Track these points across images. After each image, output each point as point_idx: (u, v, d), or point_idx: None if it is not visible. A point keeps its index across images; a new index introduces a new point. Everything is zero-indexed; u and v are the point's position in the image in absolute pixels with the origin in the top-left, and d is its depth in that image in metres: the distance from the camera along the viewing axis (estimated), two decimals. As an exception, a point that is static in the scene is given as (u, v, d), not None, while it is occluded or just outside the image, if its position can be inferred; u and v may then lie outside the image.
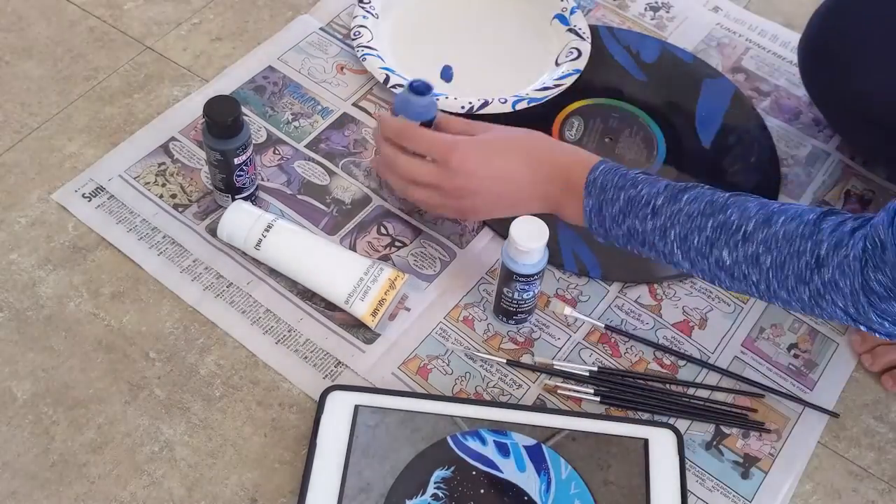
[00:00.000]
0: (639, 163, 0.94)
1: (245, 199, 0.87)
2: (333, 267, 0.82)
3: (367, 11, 1.01)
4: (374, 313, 0.79)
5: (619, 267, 0.87)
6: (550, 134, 0.96)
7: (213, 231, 0.86)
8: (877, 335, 0.67)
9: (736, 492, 0.75)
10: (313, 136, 0.94)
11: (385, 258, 0.86)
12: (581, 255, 0.87)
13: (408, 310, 0.82)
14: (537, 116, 0.97)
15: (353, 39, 0.98)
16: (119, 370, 0.78)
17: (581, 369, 0.80)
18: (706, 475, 0.76)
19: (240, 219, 0.82)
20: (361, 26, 0.99)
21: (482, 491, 0.71)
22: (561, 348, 0.82)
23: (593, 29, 1.06)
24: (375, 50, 0.98)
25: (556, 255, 0.86)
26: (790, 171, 0.96)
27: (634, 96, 1.00)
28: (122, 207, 0.88)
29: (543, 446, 0.74)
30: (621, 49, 1.04)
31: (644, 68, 1.03)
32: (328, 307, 0.82)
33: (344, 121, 0.95)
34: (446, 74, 0.98)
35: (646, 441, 0.75)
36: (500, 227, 0.88)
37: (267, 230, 0.82)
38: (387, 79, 0.94)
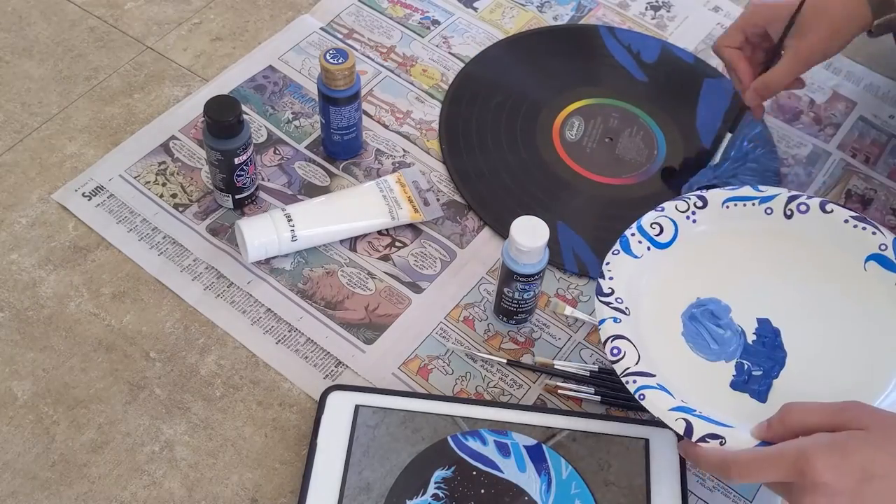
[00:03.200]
0: (639, 162, 0.94)
1: (245, 199, 0.87)
2: (360, 206, 0.86)
3: (616, 309, 0.71)
4: (416, 209, 0.87)
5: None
6: (550, 133, 0.96)
7: (214, 231, 0.86)
8: None
9: (736, 492, 0.75)
10: (314, 136, 0.94)
11: (385, 258, 0.86)
12: (581, 255, 0.87)
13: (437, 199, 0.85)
14: (538, 117, 0.97)
15: (613, 361, 0.69)
16: (119, 370, 0.78)
17: (582, 369, 0.80)
18: (707, 475, 0.76)
19: (260, 230, 0.82)
20: (617, 337, 0.69)
21: (483, 491, 0.71)
22: (561, 348, 0.82)
23: (593, 28, 1.06)
24: (653, 377, 0.68)
25: (556, 256, 0.86)
26: (790, 171, 0.96)
27: (635, 96, 1.00)
28: (122, 207, 0.88)
29: (544, 446, 0.74)
30: (622, 49, 1.04)
31: (644, 68, 1.03)
32: (328, 306, 0.82)
33: (344, 121, 0.96)
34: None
35: (646, 441, 0.75)
36: (501, 227, 0.88)
37: (290, 220, 0.83)
38: (689, 428, 0.66)
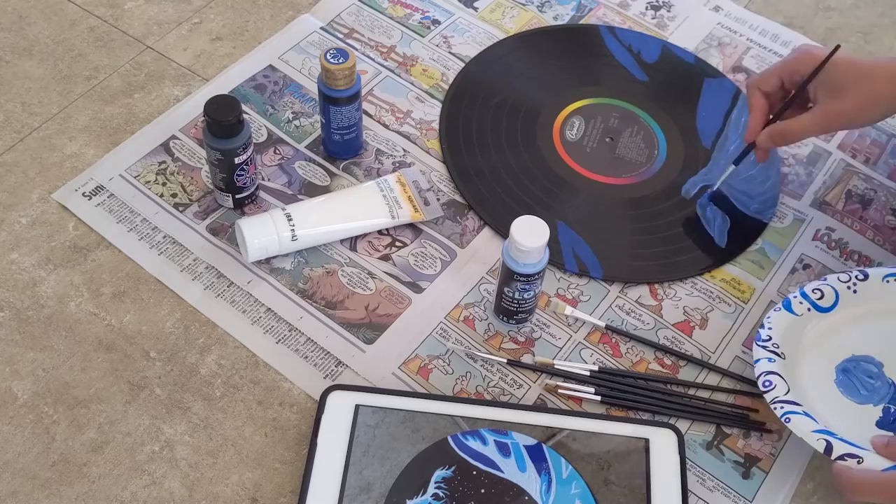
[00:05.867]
0: (640, 162, 0.94)
1: (245, 198, 0.87)
2: (360, 205, 0.86)
3: (772, 352, 0.78)
4: (416, 209, 0.87)
5: (620, 267, 0.87)
6: (551, 133, 0.96)
7: (214, 231, 0.86)
8: None
9: (737, 492, 0.75)
10: (314, 136, 0.94)
11: (385, 258, 0.86)
12: (582, 255, 0.87)
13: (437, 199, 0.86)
14: (538, 117, 0.97)
15: (764, 391, 0.75)
16: (119, 370, 0.78)
17: (582, 369, 0.80)
18: (707, 475, 0.76)
19: (260, 230, 0.82)
20: (770, 373, 0.76)
21: (483, 491, 0.71)
22: (562, 348, 0.82)
23: (593, 28, 1.06)
24: (799, 405, 0.74)
25: (556, 256, 0.86)
26: (791, 171, 0.96)
27: (635, 96, 1.00)
28: (122, 206, 0.88)
29: (544, 446, 0.74)
30: (622, 48, 1.04)
31: (645, 68, 1.03)
32: (328, 306, 0.82)
33: (344, 120, 0.95)
34: None
35: (647, 441, 0.75)
36: (501, 227, 0.88)
37: (290, 219, 0.83)
38: (828, 446, 0.71)
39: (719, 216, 0.90)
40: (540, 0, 1.09)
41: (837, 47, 0.81)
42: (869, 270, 0.81)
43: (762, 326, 0.79)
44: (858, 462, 0.70)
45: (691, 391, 0.80)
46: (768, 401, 0.75)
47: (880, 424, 0.76)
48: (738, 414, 0.79)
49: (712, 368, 0.81)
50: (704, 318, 0.84)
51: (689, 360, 0.82)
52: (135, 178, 0.90)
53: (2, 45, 1.01)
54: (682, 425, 0.78)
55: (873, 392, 0.78)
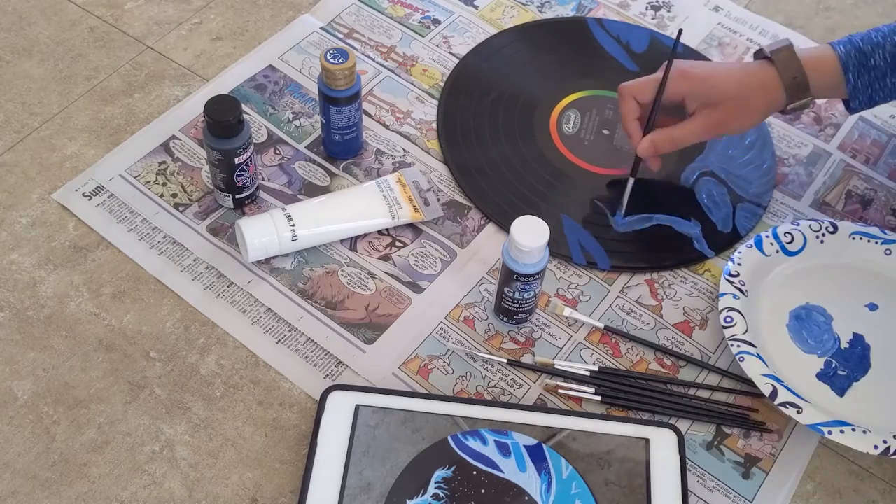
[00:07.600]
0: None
1: (245, 198, 0.87)
2: (360, 205, 0.86)
3: (737, 288, 0.82)
4: (416, 209, 0.87)
5: (627, 257, 0.87)
6: (548, 127, 0.96)
7: (214, 231, 0.86)
8: None
9: (737, 492, 0.75)
10: (314, 136, 0.94)
11: (385, 258, 0.86)
12: (587, 246, 0.87)
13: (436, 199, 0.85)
14: (535, 111, 0.97)
15: (725, 327, 0.79)
16: (120, 370, 0.78)
17: (582, 369, 0.80)
18: (707, 475, 0.76)
19: (260, 230, 0.82)
20: (732, 310, 0.80)
21: (483, 491, 0.71)
22: (562, 348, 0.82)
23: (581, 20, 1.06)
24: (754, 347, 0.78)
25: (564, 249, 0.87)
26: (791, 171, 0.96)
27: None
28: (122, 207, 0.88)
29: (544, 446, 0.74)
30: (611, 39, 1.04)
31: (634, 58, 1.03)
32: (328, 306, 0.82)
33: (344, 120, 0.95)
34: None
35: (647, 441, 0.75)
36: (503, 221, 0.88)
37: (290, 219, 0.83)
38: (774, 392, 0.75)
39: (720, 201, 0.91)
40: (540, 0, 1.09)
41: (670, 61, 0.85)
42: (839, 223, 0.86)
43: (731, 260, 0.84)
44: (798, 412, 0.74)
45: (691, 391, 0.80)
46: (726, 336, 0.79)
47: (820, 376, 0.79)
48: (739, 414, 0.79)
49: (712, 369, 0.81)
50: (704, 319, 0.84)
51: (688, 360, 0.82)
52: (135, 178, 0.90)
53: (2, 45, 1.01)
54: (683, 425, 0.78)
55: (819, 344, 0.81)
